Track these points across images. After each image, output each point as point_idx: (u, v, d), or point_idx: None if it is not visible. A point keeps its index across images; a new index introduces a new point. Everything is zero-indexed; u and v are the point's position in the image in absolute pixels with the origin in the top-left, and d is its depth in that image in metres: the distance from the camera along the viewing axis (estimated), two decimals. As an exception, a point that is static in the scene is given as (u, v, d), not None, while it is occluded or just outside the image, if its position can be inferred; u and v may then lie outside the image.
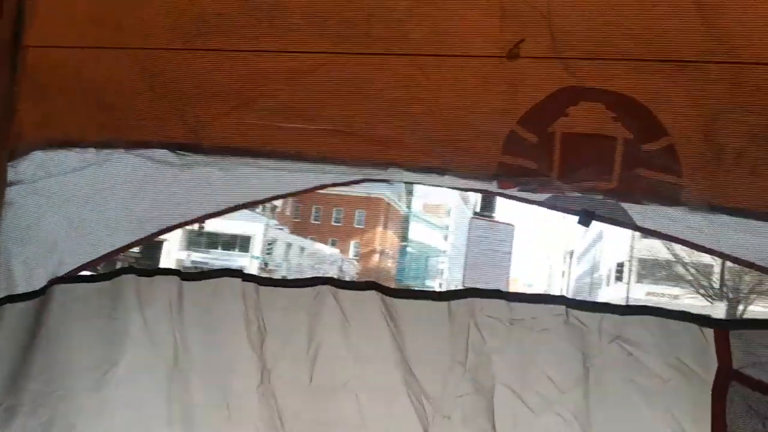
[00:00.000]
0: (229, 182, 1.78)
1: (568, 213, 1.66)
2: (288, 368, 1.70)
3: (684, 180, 1.46)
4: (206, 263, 42.00)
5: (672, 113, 1.41)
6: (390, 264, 55.24)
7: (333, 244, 52.62)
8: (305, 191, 1.84)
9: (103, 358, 1.72)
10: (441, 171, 1.65)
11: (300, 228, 51.45)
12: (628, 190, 1.52)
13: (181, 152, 1.67)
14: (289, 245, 47.28)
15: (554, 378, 1.56)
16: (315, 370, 1.68)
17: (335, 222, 56.27)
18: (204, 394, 1.71)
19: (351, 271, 49.25)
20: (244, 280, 1.74)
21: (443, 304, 1.65)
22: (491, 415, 1.58)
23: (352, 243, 55.31)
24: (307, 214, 54.02)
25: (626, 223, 1.64)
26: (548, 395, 1.56)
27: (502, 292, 1.65)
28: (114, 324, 1.74)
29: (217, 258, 42.21)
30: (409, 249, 58.63)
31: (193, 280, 1.76)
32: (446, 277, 60.71)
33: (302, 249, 47.95)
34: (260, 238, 43.24)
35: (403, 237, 59.14)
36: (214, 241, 42.12)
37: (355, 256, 54.20)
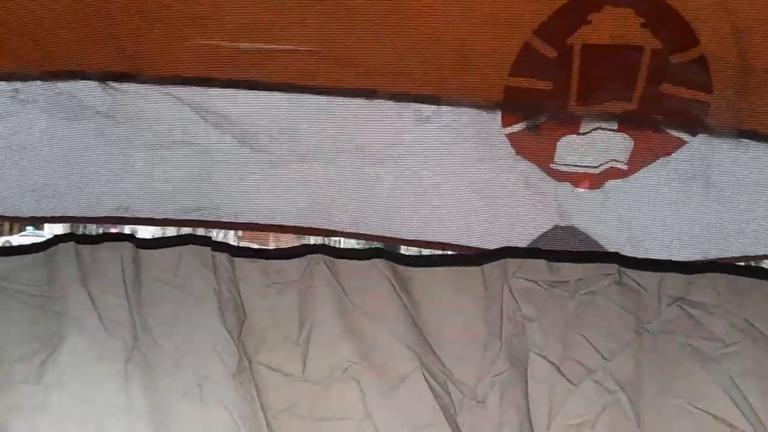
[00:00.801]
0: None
1: None
2: (275, 355, 1.45)
3: (713, 97, 1.31)
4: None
5: (705, 20, 1.24)
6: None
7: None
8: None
9: (39, 343, 1.42)
10: (435, 99, 1.41)
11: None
12: (649, 111, 1.36)
13: (113, 84, 1.32)
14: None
15: (598, 345, 1.40)
16: (309, 356, 1.44)
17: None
18: (172, 378, 1.42)
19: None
20: (213, 249, 1.45)
21: (475, 270, 1.43)
22: (526, 390, 1.40)
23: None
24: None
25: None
26: (590, 364, 1.40)
27: (542, 250, 1.45)
28: (51, 303, 1.43)
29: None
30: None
31: (150, 247, 1.46)
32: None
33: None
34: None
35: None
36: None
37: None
